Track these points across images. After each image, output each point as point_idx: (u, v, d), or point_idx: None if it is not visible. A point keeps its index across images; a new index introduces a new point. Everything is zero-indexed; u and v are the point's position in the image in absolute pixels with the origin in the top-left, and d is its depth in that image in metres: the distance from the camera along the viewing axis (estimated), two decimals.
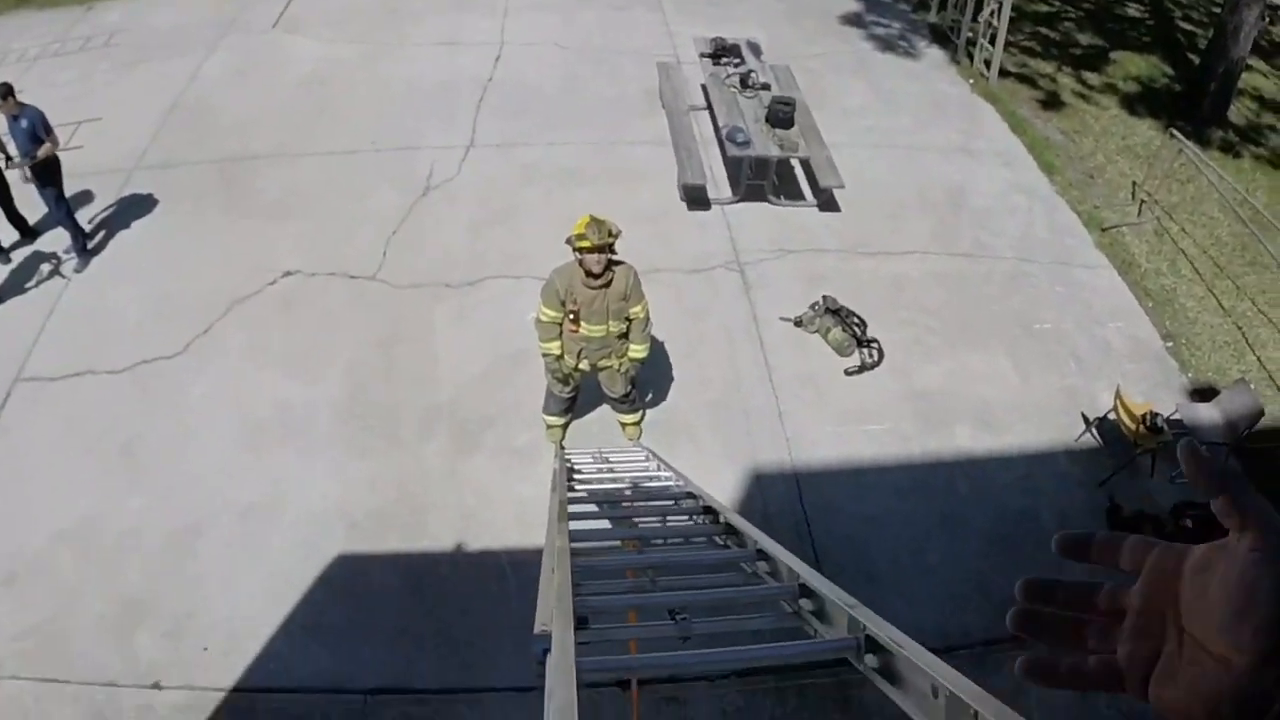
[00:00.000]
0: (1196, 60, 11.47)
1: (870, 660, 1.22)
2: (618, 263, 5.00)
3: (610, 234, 4.76)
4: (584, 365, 5.37)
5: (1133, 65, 11.70)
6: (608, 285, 4.97)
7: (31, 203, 7.32)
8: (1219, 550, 0.51)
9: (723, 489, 5.62)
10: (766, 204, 8.24)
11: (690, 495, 3.09)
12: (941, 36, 11.78)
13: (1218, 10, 11.68)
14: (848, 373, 6.64)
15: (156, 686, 4.67)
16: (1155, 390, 6.64)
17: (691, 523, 2.80)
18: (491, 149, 8.86)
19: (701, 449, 6.03)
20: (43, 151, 6.79)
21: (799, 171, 8.74)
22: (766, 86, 8.95)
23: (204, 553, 5.29)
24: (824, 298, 7.02)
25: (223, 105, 9.46)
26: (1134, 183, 9.14)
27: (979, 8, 10.83)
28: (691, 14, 11.54)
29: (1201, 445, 0.53)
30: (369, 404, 6.23)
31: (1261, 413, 5.72)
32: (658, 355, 6.33)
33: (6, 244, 7.40)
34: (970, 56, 11.04)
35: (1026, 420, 6.42)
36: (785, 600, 1.70)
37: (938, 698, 1.00)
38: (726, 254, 7.68)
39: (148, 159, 8.64)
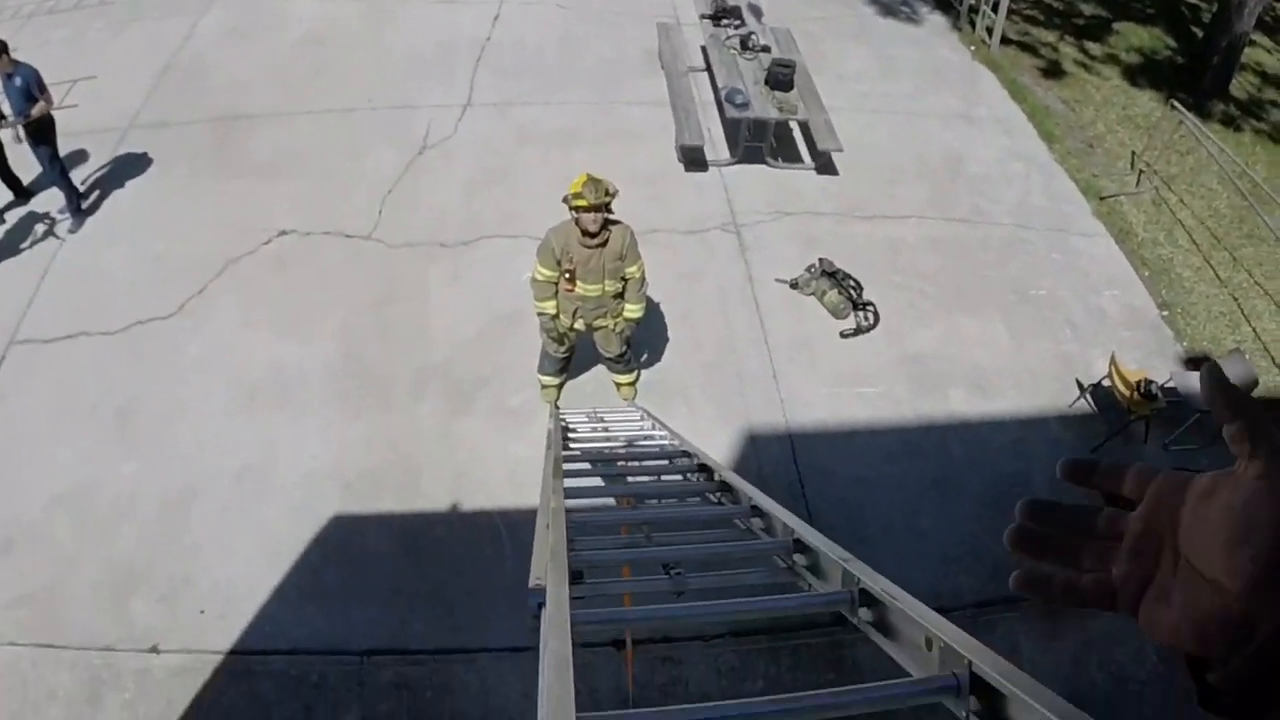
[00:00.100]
0: (1200, 33, 11.39)
1: (864, 614, 1.23)
2: (614, 222, 4.96)
3: (607, 193, 4.72)
4: (579, 325, 5.35)
5: (1135, 36, 11.59)
6: (604, 244, 4.93)
7: (25, 163, 7.20)
8: (1224, 478, 0.51)
9: (717, 450, 5.62)
10: (764, 166, 8.17)
11: (685, 454, 3.08)
12: (943, 3, 11.64)
13: None
14: (843, 335, 6.64)
15: (154, 650, 4.69)
16: (1150, 358, 6.65)
17: (686, 480, 2.80)
18: (489, 108, 8.75)
19: (696, 410, 6.03)
20: (37, 110, 6.68)
21: (797, 134, 8.66)
22: (766, 49, 8.83)
23: (199, 517, 5.29)
24: (820, 260, 6.99)
25: (218, 64, 9.30)
26: (1133, 153, 9.09)
27: None
28: None
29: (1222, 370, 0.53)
30: (363, 364, 6.21)
31: (1256, 383, 5.76)
32: (653, 316, 6.31)
33: (0, 204, 7.31)
34: (972, 23, 10.93)
35: (1020, 385, 6.43)
36: (779, 555, 1.70)
37: (931, 649, 1.00)
38: (723, 216, 7.63)
39: (142, 118, 8.51)
